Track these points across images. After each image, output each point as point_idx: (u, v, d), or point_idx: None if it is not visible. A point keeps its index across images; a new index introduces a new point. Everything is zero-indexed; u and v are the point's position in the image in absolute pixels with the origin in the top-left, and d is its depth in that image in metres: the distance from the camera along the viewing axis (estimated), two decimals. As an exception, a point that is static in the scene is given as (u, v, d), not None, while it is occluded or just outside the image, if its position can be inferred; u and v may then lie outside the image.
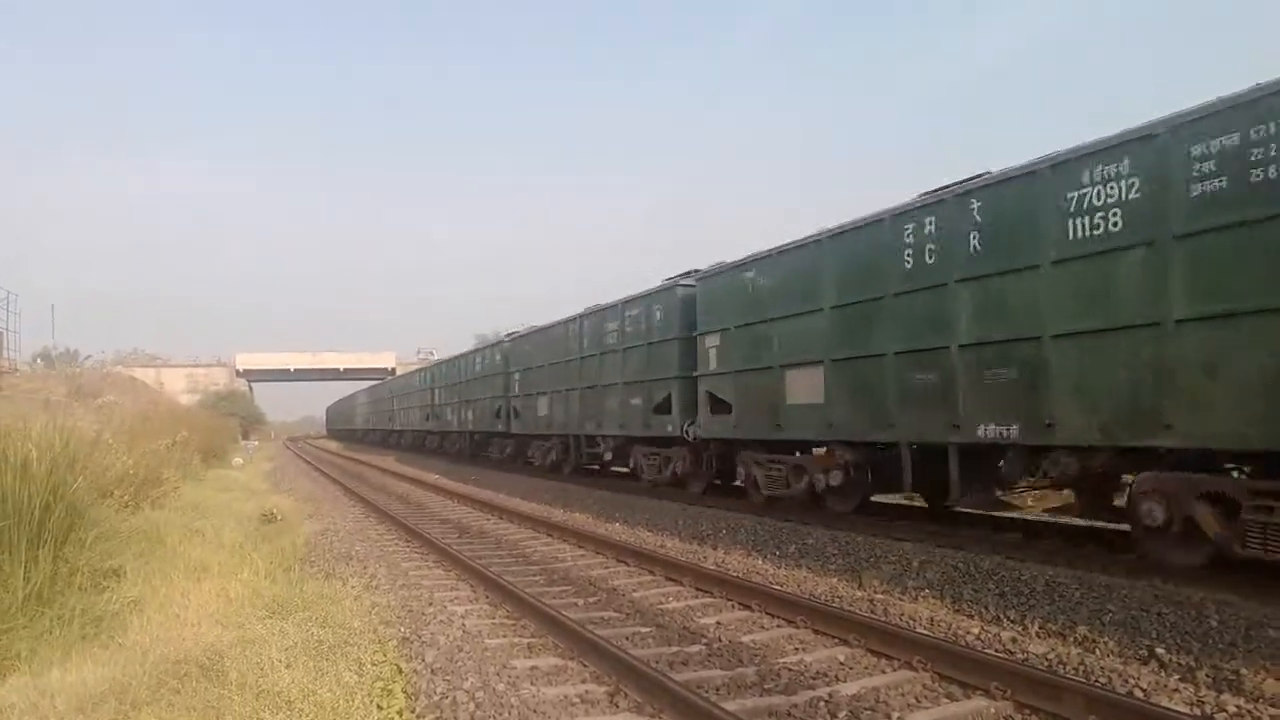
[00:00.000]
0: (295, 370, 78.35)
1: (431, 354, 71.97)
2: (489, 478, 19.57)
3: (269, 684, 4.42)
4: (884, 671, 5.06)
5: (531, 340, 20.09)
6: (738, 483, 12.44)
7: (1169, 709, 4.11)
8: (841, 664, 5.22)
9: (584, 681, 4.96)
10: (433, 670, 5.00)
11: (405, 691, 4.62)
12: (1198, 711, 4.22)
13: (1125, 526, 7.42)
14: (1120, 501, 7.51)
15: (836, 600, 6.73)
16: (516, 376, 20.91)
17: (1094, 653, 5.22)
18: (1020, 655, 5.20)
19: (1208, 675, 4.67)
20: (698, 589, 7.36)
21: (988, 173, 8.01)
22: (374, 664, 5.02)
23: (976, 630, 5.77)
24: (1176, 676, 4.74)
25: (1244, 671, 4.59)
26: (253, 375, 77.19)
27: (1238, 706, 4.25)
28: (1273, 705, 4.26)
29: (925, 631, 5.71)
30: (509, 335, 22.13)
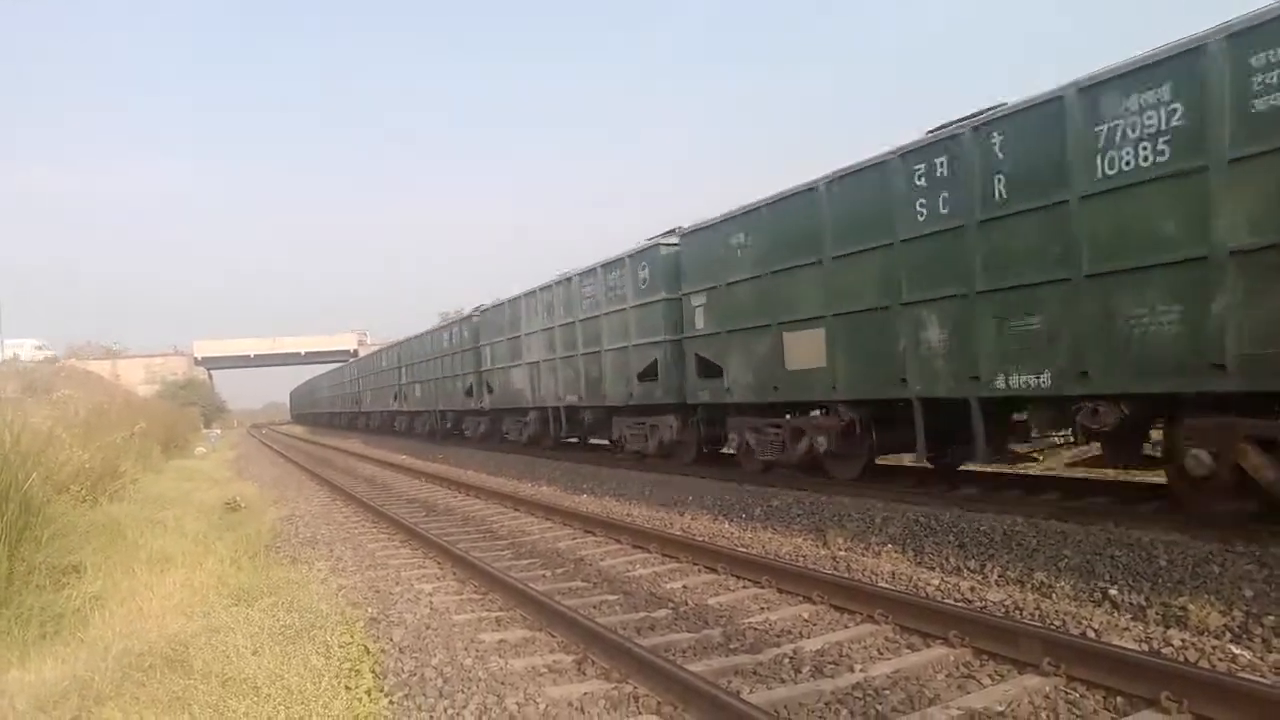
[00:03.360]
0: (255, 356, 77.35)
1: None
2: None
3: (235, 671, 4.40)
4: (846, 626, 5.17)
5: (754, 225, 10.37)
6: None
7: (1119, 647, 4.25)
8: (805, 621, 5.32)
9: (552, 652, 5.00)
10: (400, 649, 5.00)
11: (373, 671, 4.62)
12: (1145, 647, 4.38)
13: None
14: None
15: (801, 559, 6.83)
16: (699, 304, 11.58)
17: (1050, 597, 5.37)
18: (979, 603, 5.34)
19: (1157, 613, 4.84)
20: (664, 554, 7.43)
21: None
22: (341, 646, 5.00)
23: (937, 582, 5.90)
24: (1128, 616, 4.90)
25: (1190, 607, 4.76)
26: (212, 363, 76.06)
27: (1182, 640, 4.42)
28: (1215, 637, 4.44)
29: (887, 585, 5.83)
30: (669, 234, 12.62)
